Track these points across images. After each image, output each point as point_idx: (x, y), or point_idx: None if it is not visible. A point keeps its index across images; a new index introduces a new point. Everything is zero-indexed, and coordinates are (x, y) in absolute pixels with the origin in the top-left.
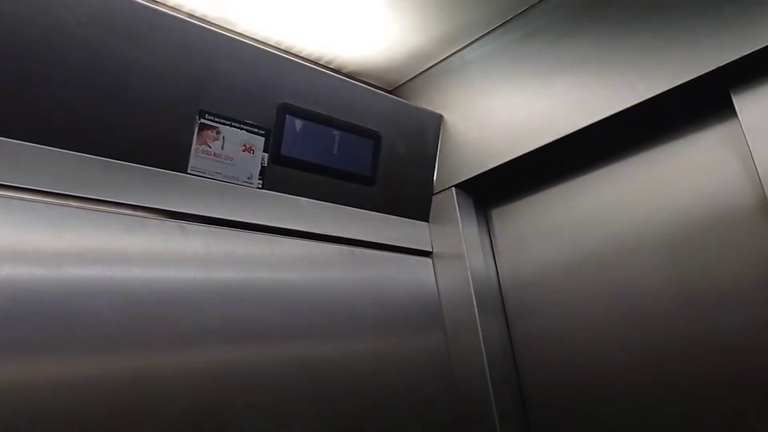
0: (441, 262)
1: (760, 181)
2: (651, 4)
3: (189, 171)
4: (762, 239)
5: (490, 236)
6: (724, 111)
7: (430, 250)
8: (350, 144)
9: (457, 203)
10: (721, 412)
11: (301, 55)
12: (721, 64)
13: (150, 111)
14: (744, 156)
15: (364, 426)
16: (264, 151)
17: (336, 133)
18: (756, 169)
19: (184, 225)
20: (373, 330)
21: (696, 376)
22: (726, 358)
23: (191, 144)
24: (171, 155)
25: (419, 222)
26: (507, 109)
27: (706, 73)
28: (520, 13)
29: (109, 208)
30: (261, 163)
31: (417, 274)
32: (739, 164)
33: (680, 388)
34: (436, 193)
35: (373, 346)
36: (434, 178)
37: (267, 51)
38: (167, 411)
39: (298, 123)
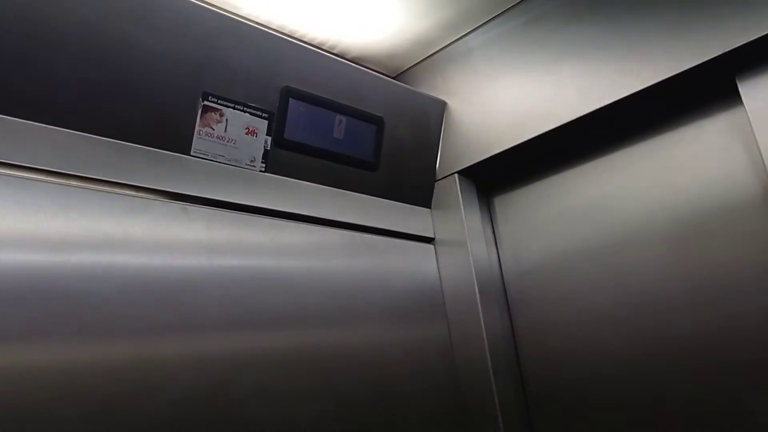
0: (443, 249)
1: (766, 169)
2: None
3: (192, 153)
4: (767, 227)
5: (492, 223)
6: (730, 98)
7: (433, 236)
8: (353, 129)
9: (460, 190)
10: (724, 400)
11: (304, 40)
12: (726, 50)
13: (153, 92)
14: (750, 144)
15: (366, 411)
16: (267, 135)
17: (339, 117)
18: (761, 157)
19: (187, 207)
20: (375, 316)
21: (699, 365)
22: (730, 347)
23: (194, 126)
24: (174, 137)
25: (421, 208)
26: (511, 96)
27: (712, 59)
28: None
29: (112, 189)
30: (264, 147)
31: (419, 260)
32: (745, 152)
33: (683, 377)
34: (439, 180)
35: (375, 332)
36: (437, 164)
37: (271, 34)
38: (168, 395)
39: (302, 107)
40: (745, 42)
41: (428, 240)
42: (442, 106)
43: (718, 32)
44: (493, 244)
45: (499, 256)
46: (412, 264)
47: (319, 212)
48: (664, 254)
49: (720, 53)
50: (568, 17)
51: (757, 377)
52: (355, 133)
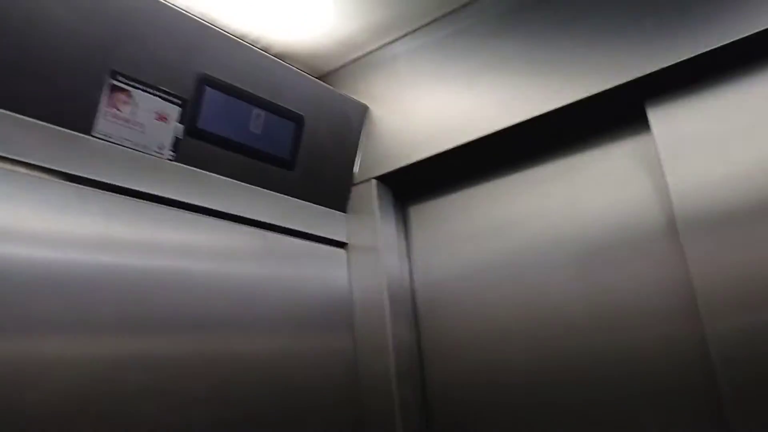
0: (355, 255)
1: (670, 198)
2: (576, 14)
3: (95, 134)
4: (668, 257)
5: (407, 232)
6: (639, 124)
7: (346, 241)
8: (271, 125)
9: (376, 196)
10: (617, 418)
11: (226, 30)
12: (637, 76)
13: (57, 65)
14: (656, 171)
15: (264, 419)
16: (180, 123)
17: (257, 111)
18: (667, 186)
19: (84, 190)
20: (281, 322)
21: (595, 383)
22: (625, 369)
23: (100, 105)
24: (76, 115)
25: (336, 212)
26: (432, 105)
27: (624, 84)
28: (451, 10)
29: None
30: (175, 135)
31: (330, 266)
32: (651, 180)
33: (579, 393)
34: (356, 184)
35: (279, 340)
36: (355, 168)
37: (190, 18)
38: (49, 391)
39: (218, 96)
40: (655, 69)
41: (341, 245)
42: (363, 110)
43: (632, 57)
44: (406, 254)
45: (411, 266)
46: (322, 269)
47: (229, 208)
48: (569, 274)
49: (631, 78)
50: (492, 32)
51: (647, 395)
52: (273, 129)
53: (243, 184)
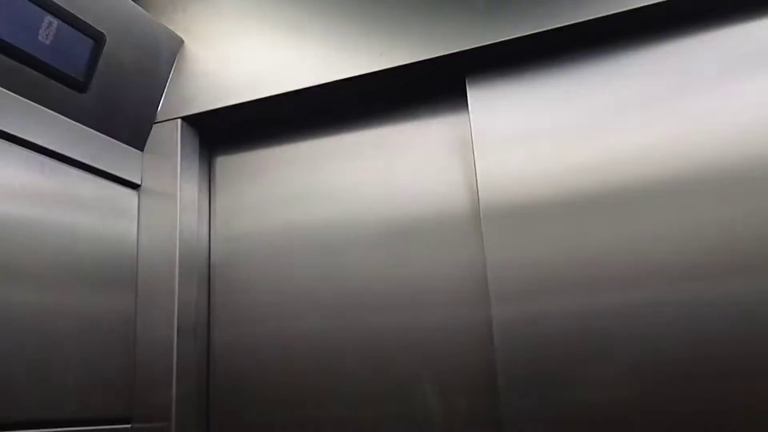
0: (148, 200)
1: (477, 184)
2: None
3: None
4: (469, 242)
5: (210, 183)
6: (459, 102)
7: (139, 183)
8: (66, 37)
9: (180, 138)
10: (399, 389)
11: None
12: (460, 49)
13: None
14: (467, 153)
15: (16, 377)
16: None
17: (50, 19)
18: (475, 170)
19: None
20: (50, 266)
21: (384, 359)
22: (410, 348)
23: None
24: None
25: (132, 149)
26: (254, 48)
27: (446, 56)
28: None
29: None
30: None
31: (118, 208)
32: (462, 161)
33: (368, 365)
34: (159, 123)
35: (48, 286)
36: (160, 104)
37: None
38: None
39: None
40: (478, 45)
41: (133, 186)
42: (177, 42)
43: (459, 28)
44: (206, 206)
45: (209, 220)
46: (108, 211)
47: (2, 124)
48: (372, 249)
49: (454, 50)
50: None
51: (433, 375)
52: (67, 43)
53: (22, 98)
